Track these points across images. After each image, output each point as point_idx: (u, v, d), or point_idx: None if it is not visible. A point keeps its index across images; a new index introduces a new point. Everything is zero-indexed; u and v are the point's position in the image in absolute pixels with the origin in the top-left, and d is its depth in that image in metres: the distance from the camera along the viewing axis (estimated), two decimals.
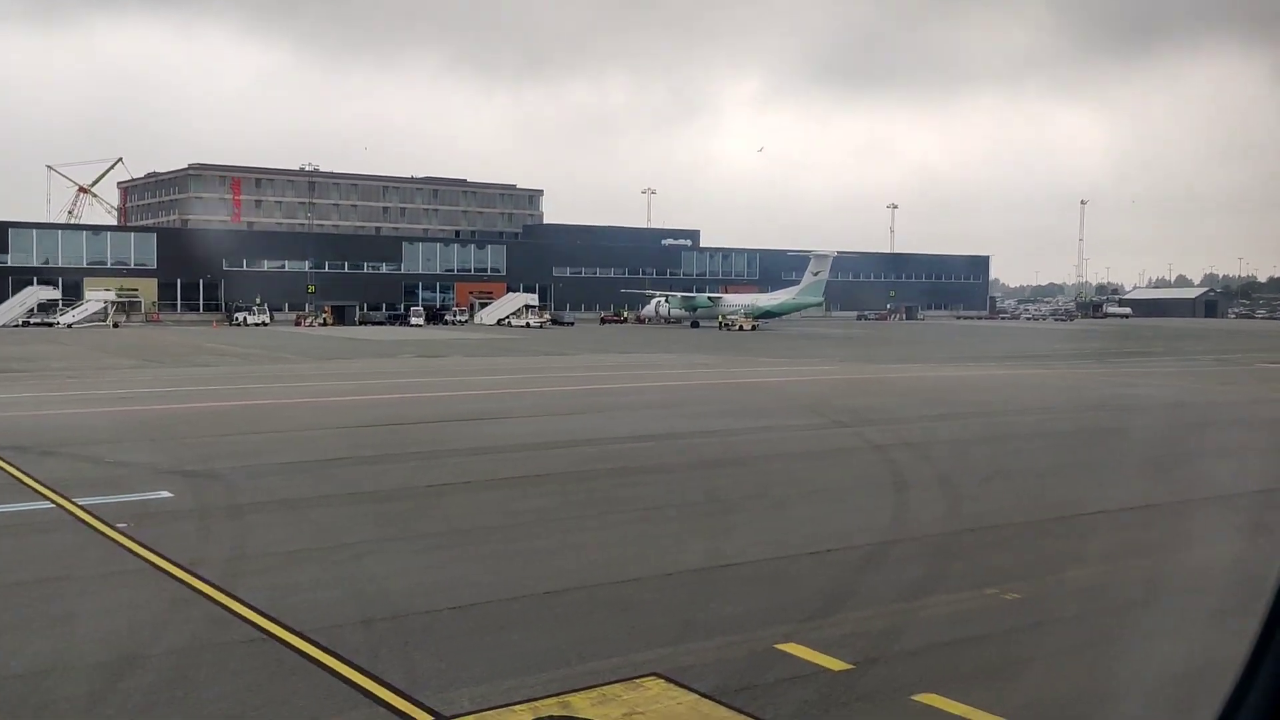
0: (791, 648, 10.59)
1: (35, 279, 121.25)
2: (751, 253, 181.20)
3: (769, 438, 25.52)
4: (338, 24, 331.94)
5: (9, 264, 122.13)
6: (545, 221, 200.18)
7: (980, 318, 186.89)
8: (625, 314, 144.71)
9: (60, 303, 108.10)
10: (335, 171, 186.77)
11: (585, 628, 11.10)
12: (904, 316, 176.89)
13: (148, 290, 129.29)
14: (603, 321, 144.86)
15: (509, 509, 16.58)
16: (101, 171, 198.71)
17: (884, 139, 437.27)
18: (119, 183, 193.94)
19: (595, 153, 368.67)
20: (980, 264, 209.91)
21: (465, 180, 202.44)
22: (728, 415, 29.73)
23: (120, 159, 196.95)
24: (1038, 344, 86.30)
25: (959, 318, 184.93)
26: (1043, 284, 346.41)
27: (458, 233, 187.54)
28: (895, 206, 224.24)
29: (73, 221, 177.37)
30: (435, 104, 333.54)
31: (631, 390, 38.56)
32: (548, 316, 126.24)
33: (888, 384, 43.06)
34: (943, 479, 20.23)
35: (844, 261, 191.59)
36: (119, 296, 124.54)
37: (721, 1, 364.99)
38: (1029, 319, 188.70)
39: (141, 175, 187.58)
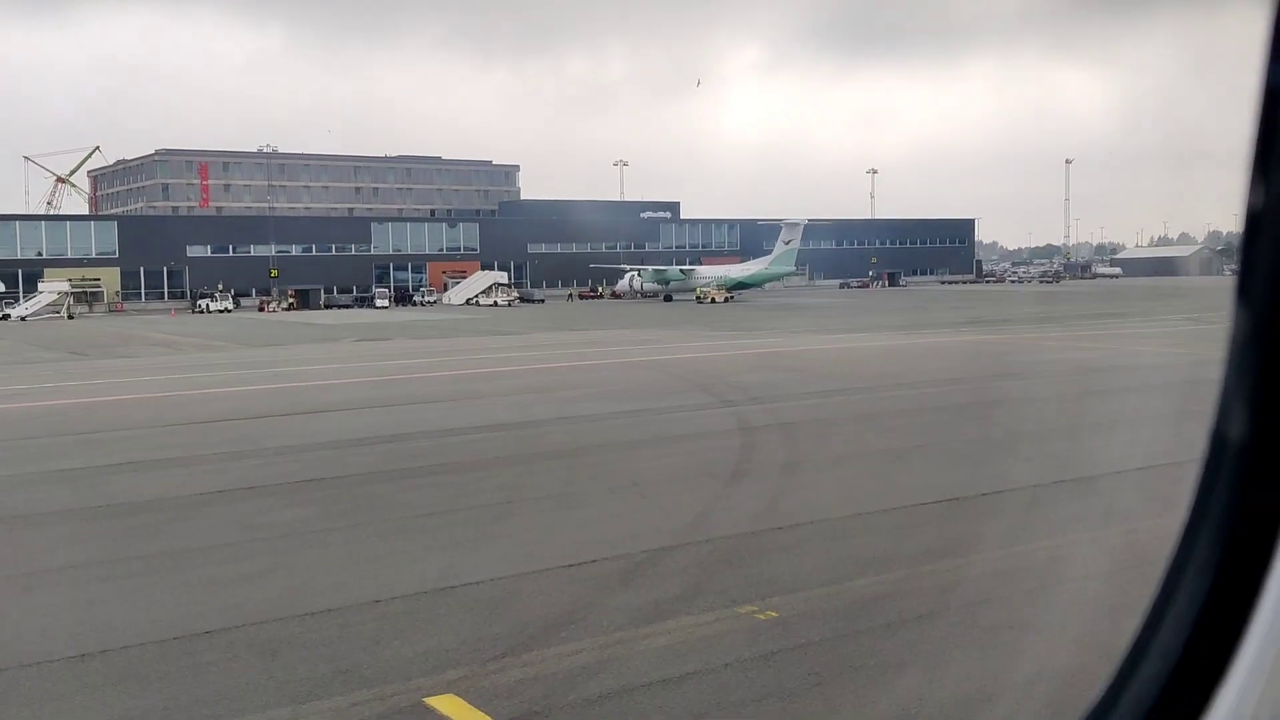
0: (443, 701, 8.77)
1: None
2: (732, 223, 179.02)
3: (632, 422, 23.64)
4: (331, 2, 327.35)
5: None
6: (523, 198, 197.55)
7: (965, 282, 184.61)
8: (601, 290, 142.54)
9: None
10: (305, 152, 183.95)
11: (209, 681, 9.23)
12: (886, 283, 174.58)
13: (110, 279, 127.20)
14: (579, 297, 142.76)
15: (255, 522, 14.70)
16: (78, 161, 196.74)
17: (885, 104, 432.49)
18: (89, 171, 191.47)
19: (595, 125, 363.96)
20: (965, 227, 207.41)
21: (440, 158, 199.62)
22: (607, 398, 27.82)
23: (97, 147, 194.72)
24: (1006, 309, 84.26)
25: (943, 282, 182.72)
26: (1040, 245, 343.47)
27: (433, 211, 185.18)
28: (875, 172, 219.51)
29: (51, 212, 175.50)
30: (432, 80, 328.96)
31: (529, 372, 36.66)
32: (516, 295, 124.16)
33: (808, 356, 41.16)
34: (789, 465, 18.35)
35: (826, 229, 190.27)
36: (77, 287, 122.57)
37: None
38: (1014, 282, 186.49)
39: (112, 162, 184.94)
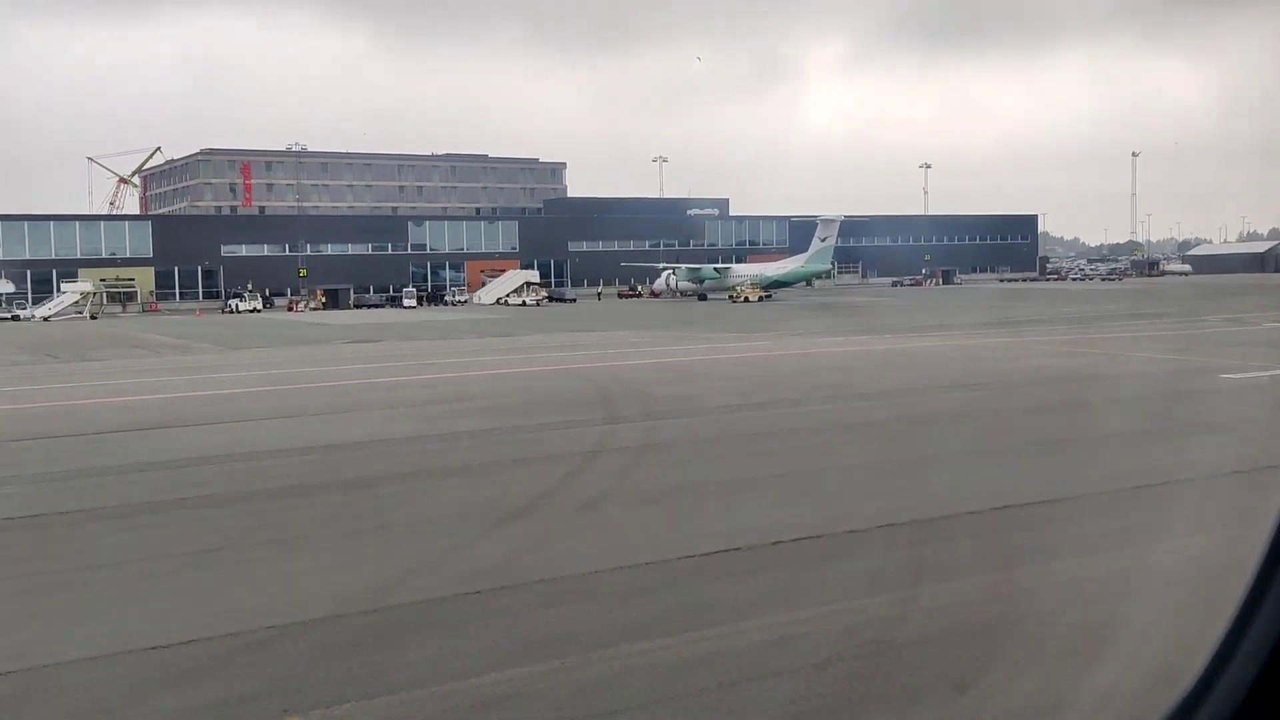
0: None
1: (28, 272, 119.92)
2: (781, 220, 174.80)
3: (481, 444, 20.88)
4: (414, 4, 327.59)
5: (0, 256, 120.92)
6: (569, 195, 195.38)
7: (1026, 279, 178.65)
8: (640, 288, 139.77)
9: (7, 298, 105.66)
10: (350, 151, 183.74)
11: None
12: (939, 281, 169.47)
13: (145, 279, 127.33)
14: (619, 296, 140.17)
15: None
16: (140, 161, 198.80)
17: (971, 98, 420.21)
18: (140, 171, 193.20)
19: (670, 122, 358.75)
20: (1027, 223, 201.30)
21: (486, 155, 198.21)
22: (489, 413, 25.06)
23: (158, 148, 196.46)
24: (1043, 309, 79.89)
25: (1002, 280, 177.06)
26: (1122, 242, 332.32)
27: (478, 210, 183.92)
28: (929, 166, 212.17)
29: (114, 212, 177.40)
30: (510, 79, 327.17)
31: (446, 380, 33.94)
32: (544, 294, 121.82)
33: (776, 363, 38.10)
34: (593, 502, 15.45)
35: (881, 225, 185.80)
36: (111, 287, 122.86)
37: None
38: (1075, 279, 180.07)
39: (161, 163, 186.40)
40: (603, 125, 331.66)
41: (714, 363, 38.08)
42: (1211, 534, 13.28)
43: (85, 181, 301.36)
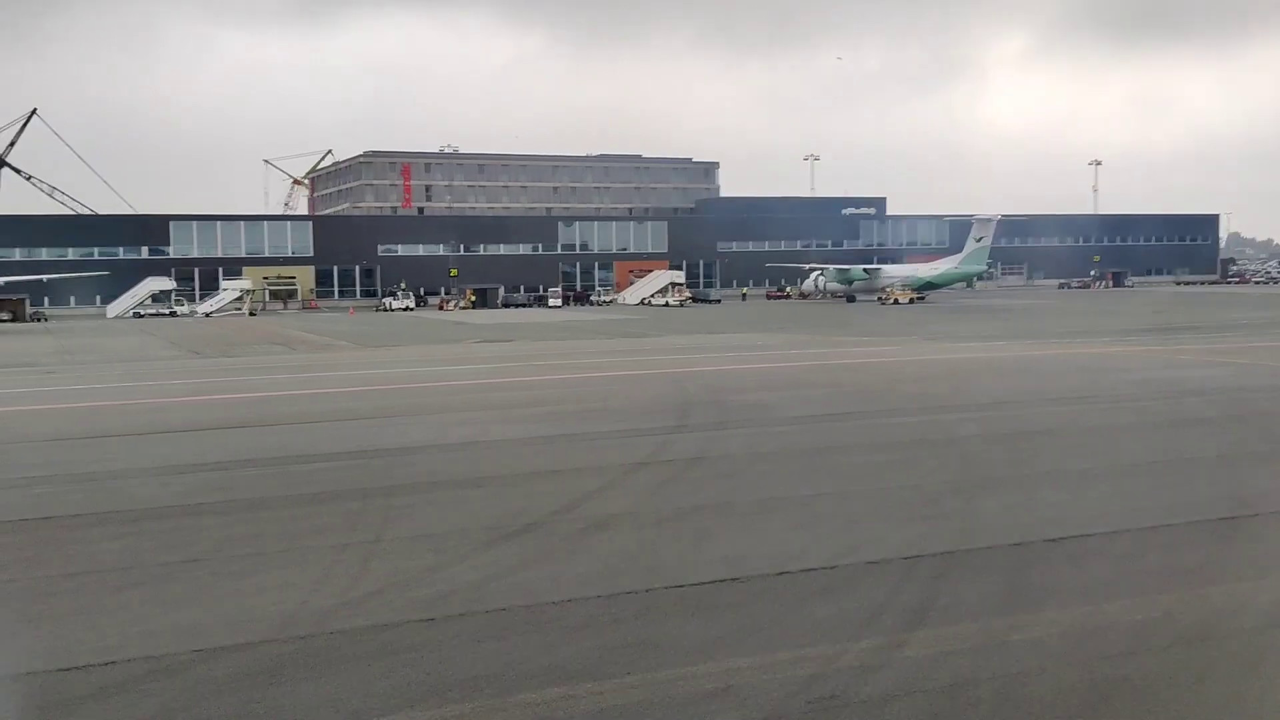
0: None
1: (196, 270, 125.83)
2: (940, 220, 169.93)
3: (533, 451, 20.20)
4: (588, 5, 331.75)
5: (171, 255, 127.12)
6: (722, 195, 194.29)
7: (1205, 283, 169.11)
8: (788, 290, 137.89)
9: (174, 294, 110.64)
10: (505, 153, 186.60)
11: None
12: (1110, 283, 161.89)
13: (305, 278, 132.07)
14: (767, 298, 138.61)
15: None
16: (312, 164, 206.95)
17: (1157, 91, 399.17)
18: (308, 174, 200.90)
19: (847, 119, 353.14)
20: (1208, 223, 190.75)
21: (640, 156, 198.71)
22: (562, 418, 24.39)
23: (329, 151, 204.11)
24: (1219, 314, 75.09)
25: (1179, 283, 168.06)
26: None
27: (630, 210, 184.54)
28: (1099, 163, 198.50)
29: (287, 212, 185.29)
30: (682, 78, 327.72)
31: (546, 383, 33.53)
32: (688, 295, 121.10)
33: (883, 370, 36.38)
34: (601, 523, 14.56)
35: (1048, 225, 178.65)
36: (273, 285, 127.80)
37: None
38: (1260, 282, 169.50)
39: (329, 165, 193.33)
40: (771, 124, 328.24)
41: (824, 368, 36.67)
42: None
43: (263, 183, 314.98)
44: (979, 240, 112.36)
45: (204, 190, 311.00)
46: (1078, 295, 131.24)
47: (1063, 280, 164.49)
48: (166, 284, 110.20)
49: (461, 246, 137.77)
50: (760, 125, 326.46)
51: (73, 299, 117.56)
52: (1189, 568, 12.32)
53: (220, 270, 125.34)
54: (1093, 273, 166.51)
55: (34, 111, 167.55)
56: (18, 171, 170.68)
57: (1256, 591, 11.50)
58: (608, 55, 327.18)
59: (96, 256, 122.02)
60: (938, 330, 61.71)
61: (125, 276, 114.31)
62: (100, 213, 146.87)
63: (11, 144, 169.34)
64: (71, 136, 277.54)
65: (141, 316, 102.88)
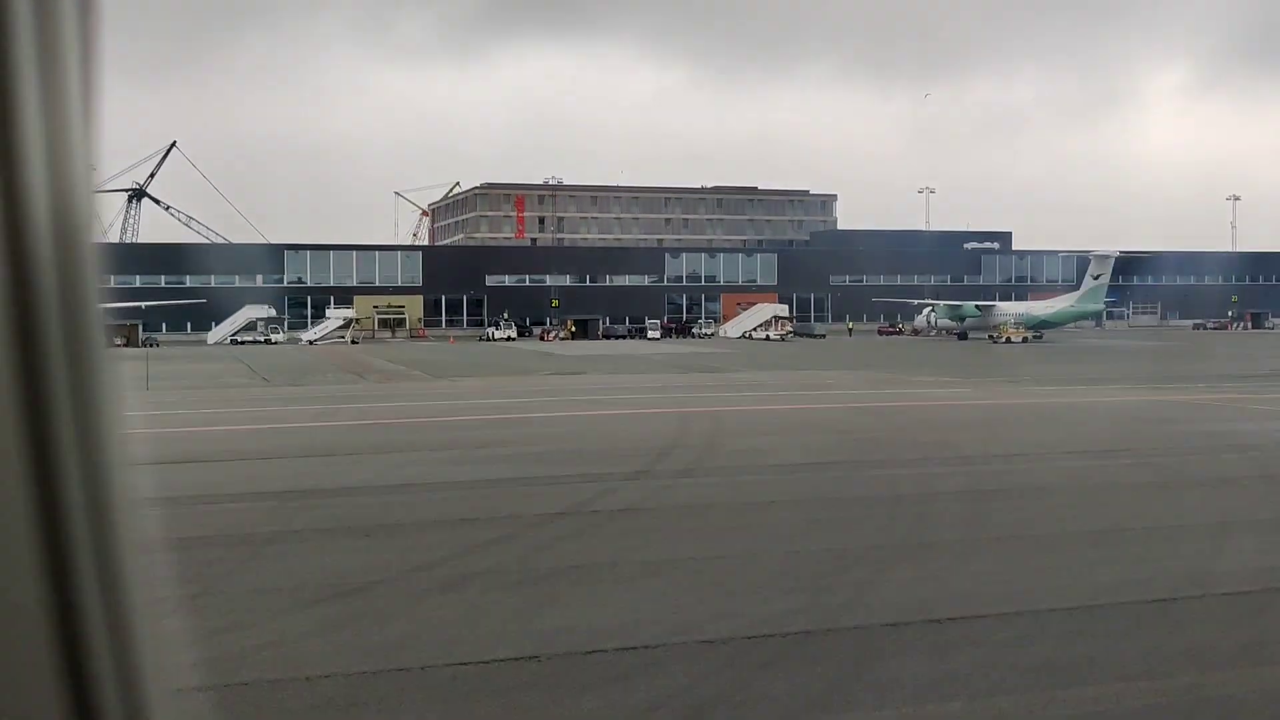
0: None
1: (308, 298, 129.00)
2: (1067, 256, 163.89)
3: (469, 495, 19.22)
4: (730, 39, 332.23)
5: (284, 284, 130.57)
6: (839, 228, 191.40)
7: None
8: (900, 326, 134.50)
9: (269, 322, 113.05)
10: (618, 185, 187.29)
11: None
12: (1249, 325, 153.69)
13: (414, 307, 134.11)
14: (878, 334, 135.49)
15: None
16: (441, 195, 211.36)
17: None
18: (429, 205, 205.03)
19: (998, 152, 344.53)
20: None
21: (755, 188, 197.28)
22: (537, 459, 23.28)
23: (458, 182, 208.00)
24: None
25: None
26: None
27: (744, 243, 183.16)
28: (1237, 198, 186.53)
29: (415, 243, 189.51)
30: (828, 111, 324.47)
31: (556, 420, 32.53)
32: (789, 329, 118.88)
33: (928, 414, 34.43)
34: (460, 581, 13.41)
35: (1182, 263, 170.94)
36: (382, 313, 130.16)
37: None
38: None
39: (441, 197, 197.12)
40: (913, 157, 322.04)
41: (860, 410, 34.81)
42: None
43: (392, 214, 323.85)
44: (1096, 278, 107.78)
45: (342, 221, 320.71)
46: (1210, 337, 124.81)
47: (1198, 321, 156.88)
48: (264, 312, 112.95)
49: (567, 278, 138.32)
50: (900, 157, 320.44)
51: (189, 324, 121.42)
52: (1072, 662, 10.57)
53: (331, 299, 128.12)
54: (1230, 313, 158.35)
55: (174, 144, 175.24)
56: (157, 202, 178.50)
57: (1127, 695, 9.71)
58: (750, 85, 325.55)
59: (213, 284, 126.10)
60: (1033, 372, 58.83)
61: (236, 304, 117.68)
62: (235, 242, 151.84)
63: (152, 175, 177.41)
64: (217, 168, 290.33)
65: (239, 343, 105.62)
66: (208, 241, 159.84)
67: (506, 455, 24.04)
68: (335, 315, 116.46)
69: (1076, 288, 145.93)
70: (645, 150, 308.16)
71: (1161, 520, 17.20)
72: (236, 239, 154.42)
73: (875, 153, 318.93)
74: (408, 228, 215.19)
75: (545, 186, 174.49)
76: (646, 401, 38.46)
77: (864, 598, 12.79)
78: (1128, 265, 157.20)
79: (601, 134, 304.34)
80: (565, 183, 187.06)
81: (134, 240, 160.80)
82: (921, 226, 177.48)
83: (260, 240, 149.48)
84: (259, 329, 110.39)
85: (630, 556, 14.83)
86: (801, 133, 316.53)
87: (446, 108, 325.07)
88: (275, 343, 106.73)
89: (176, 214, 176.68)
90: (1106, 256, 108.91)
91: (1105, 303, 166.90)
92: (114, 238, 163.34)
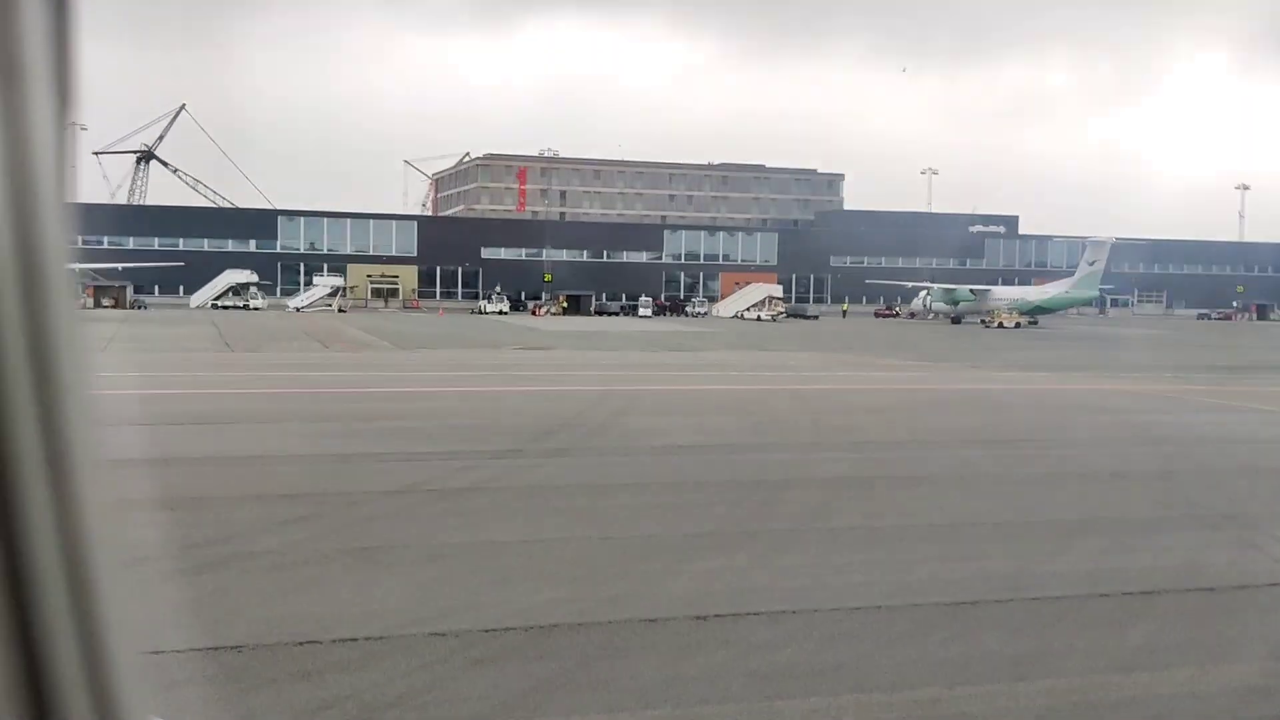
0: None
1: (301, 265, 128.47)
2: (1073, 241, 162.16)
3: (307, 471, 18.46)
4: (760, 16, 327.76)
5: (278, 249, 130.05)
6: (846, 208, 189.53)
7: None
8: (898, 309, 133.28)
9: (251, 287, 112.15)
10: (622, 159, 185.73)
11: None
12: (1255, 315, 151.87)
13: (408, 277, 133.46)
14: (875, 315, 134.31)
15: None
16: (449, 165, 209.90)
17: None
18: (434, 174, 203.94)
19: (1024, 137, 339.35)
20: None
21: (763, 165, 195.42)
22: (424, 435, 22.54)
23: (468, 153, 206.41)
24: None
25: None
26: None
27: (749, 221, 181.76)
28: (1247, 188, 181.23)
29: (423, 213, 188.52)
30: (859, 90, 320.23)
31: (475, 395, 31.79)
32: (781, 310, 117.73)
33: (861, 395, 33.51)
34: (222, 561, 12.67)
35: (1189, 251, 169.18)
36: (376, 283, 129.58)
37: None
38: None
39: (450, 166, 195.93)
40: (940, 138, 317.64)
41: (788, 393, 33.84)
42: None
43: (403, 183, 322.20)
44: (1092, 264, 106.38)
45: (357, 189, 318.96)
46: (1210, 327, 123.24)
47: (1202, 311, 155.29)
48: (245, 276, 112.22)
49: (564, 253, 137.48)
50: (928, 139, 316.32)
51: (182, 288, 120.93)
52: (814, 669, 9.75)
53: (325, 266, 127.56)
54: (1235, 304, 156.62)
55: (182, 106, 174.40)
56: (165, 164, 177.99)
57: (856, 709, 8.89)
58: (779, 61, 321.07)
59: (206, 248, 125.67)
60: (1007, 358, 57.74)
61: (228, 268, 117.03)
62: (241, 206, 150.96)
63: (160, 138, 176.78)
64: (234, 133, 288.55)
65: (218, 308, 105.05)
66: (214, 205, 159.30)
67: (388, 429, 23.28)
68: (323, 283, 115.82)
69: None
70: (667, 126, 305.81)
71: (1019, 516, 16.31)
72: (244, 204, 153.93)
73: (900, 133, 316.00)
74: (417, 197, 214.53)
75: (547, 159, 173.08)
76: (581, 379, 37.67)
77: (643, 590, 12.00)
78: (1133, 252, 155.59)
79: (625, 108, 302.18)
80: (570, 155, 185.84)
81: (142, 202, 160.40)
82: (933, 208, 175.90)
83: (267, 206, 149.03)
84: (244, 293, 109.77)
85: (427, 540, 14.05)
86: (825, 111, 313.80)
87: (470, 76, 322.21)
88: (255, 308, 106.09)
89: (184, 177, 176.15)
90: (1102, 243, 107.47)
91: (1108, 290, 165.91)
92: (122, 199, 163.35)
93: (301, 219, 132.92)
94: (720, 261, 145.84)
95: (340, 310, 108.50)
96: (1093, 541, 14.88)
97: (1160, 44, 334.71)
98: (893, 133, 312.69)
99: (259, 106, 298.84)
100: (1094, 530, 15.53)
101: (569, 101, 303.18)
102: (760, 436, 23.70)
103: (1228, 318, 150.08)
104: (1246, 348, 74.36)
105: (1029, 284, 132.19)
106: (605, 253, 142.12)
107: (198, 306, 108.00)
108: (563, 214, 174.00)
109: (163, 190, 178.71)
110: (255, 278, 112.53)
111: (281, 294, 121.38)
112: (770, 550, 13.96)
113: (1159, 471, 20.27)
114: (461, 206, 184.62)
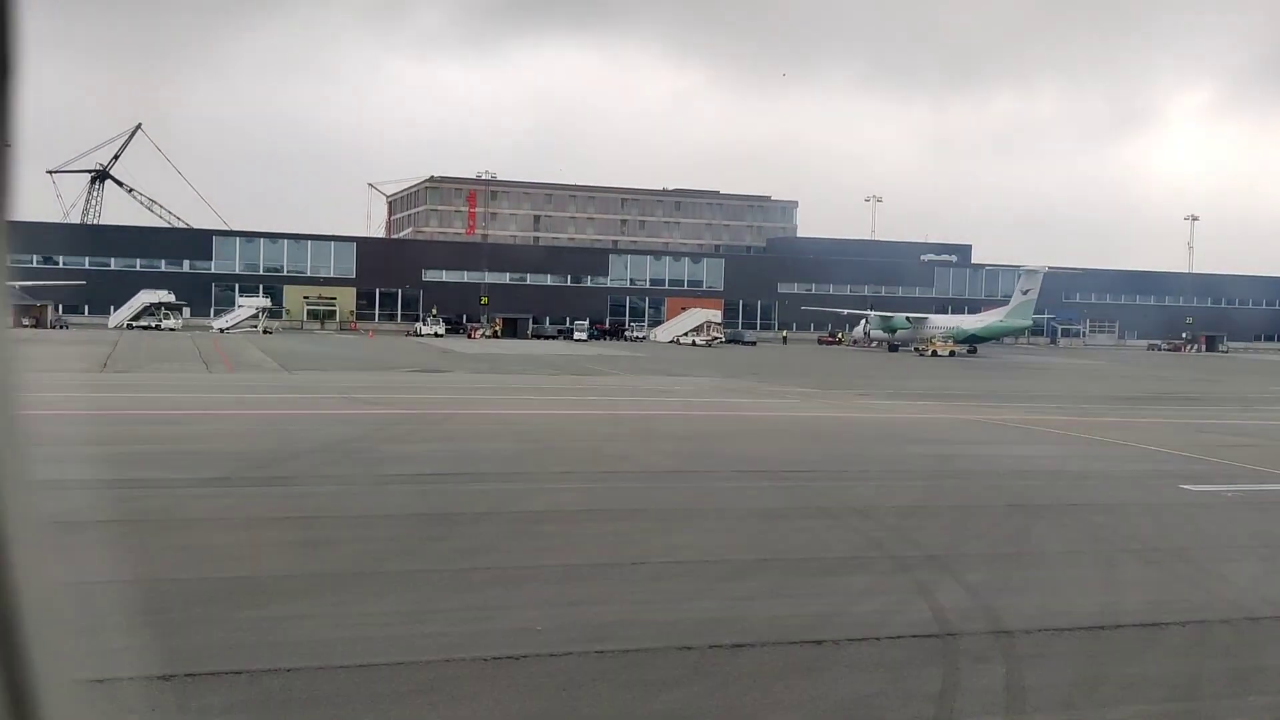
0: None
1: (237, 286, 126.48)
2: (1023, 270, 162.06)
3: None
4: (752, 42, 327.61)
5: (212, 270, 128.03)
6: (799, 235, 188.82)
7: None
8: (841, 336, 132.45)
9: (164, 309, 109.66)
10: (574, 184, 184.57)
11: None
12: (1202, 348, 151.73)
13: (346, 299, 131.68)
14: (819, 342, 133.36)
15: None
16: (406, 188, 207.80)
17: None
18: (389, 197, 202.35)
19: (1018, 166, 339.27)
20: None
21: (718, 192, 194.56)
22: (148, 461, 20.96)
23: (431, 177, 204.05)
24: (1244, 386, 67.93)
25: None
26: None
27: (700, 246, 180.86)
28: (1196, 219, 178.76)
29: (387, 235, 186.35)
30: (847, 119, 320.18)
31: (299, 418, 30.24)
32: (719, 335, 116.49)
33: (699, 423, 32.03)
34: None
35: (1145, 282, 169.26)
36: (312, 305, 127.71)
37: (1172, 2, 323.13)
38: None
39: (399, 190, 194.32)
40: (924, 169, 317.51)
41: (611, 420, 32.47)
42: None
43: (366, 205, 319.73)
44: (1025, 293, 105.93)
45: (327, 213, 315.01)
46: (1152, 359, 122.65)
47: (1152, 342, 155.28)
48: (160, 296, 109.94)
49: (507, 276, 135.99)
50: (915, 167, 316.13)
51: (112, 307, 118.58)
52: None
53: (260, 288, 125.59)
54: (1185, 335, 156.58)
55: (138, 126, 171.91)
56: (120, 184, 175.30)
57: None
58: (769, 90, 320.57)
59: (138, 268, 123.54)
60: (906, 385, 56.63)
61: (153, 288, 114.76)
62: (195, 227, 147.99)
63: (115, 157, 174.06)
64: (206, 154, 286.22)
65: (133, 328, 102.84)
66: (167, 225, 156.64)
67: (115, 454, 21.58)
68: (248, 304, 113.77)
69: (1040, 304, 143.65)
70: (654, 153, 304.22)
71: (698, 554, 14.70)
72: (204, 227, 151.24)
73: (896, 161, 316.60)
74: (380, 220, 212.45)
75: (497, 182, 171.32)
76: (413, 402, 36.13)
77: (182, 643, 10.37)
78: (1087, 282, 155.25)
79: (612, 134, 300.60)
80: (548, 181, 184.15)
81: (96, 222, 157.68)
82: (888, 237, 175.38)
83: (223, 227, 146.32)
84: (159, 314, 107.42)
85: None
86: (820, 137, 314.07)
87: (455, 100, 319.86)
88: (166, 329, 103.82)
89: (139, 197, 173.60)
90: (1035, 271, 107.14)
91: (1063, 320, 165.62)
92: (76, 219, 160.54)
93: (237, 239, 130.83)
94: (665, 286, 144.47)
95: (266, 332, 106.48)
96: (746, 584, 13.36)
97: (1147, 76, 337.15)
98: (882, 159, 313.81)
99: (243, 129, 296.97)
100: (762, 571, 14.02)
101: (548, 128, 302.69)
102: (516, 465, 22.13)
103: (1177, 349, 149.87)
104: (1168, 379, 73.43)
105: (979, 312, 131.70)
106: (548, 276, 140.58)
107: (115, 327, 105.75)
108: (514, 238, 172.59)
109: (119, 211, 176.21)
110: (171, 297, 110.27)
111: (215, 314, 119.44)
112: (365, 594, 12.36)
113: (909, 507, 18.78)
114: (410, 230, 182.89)
